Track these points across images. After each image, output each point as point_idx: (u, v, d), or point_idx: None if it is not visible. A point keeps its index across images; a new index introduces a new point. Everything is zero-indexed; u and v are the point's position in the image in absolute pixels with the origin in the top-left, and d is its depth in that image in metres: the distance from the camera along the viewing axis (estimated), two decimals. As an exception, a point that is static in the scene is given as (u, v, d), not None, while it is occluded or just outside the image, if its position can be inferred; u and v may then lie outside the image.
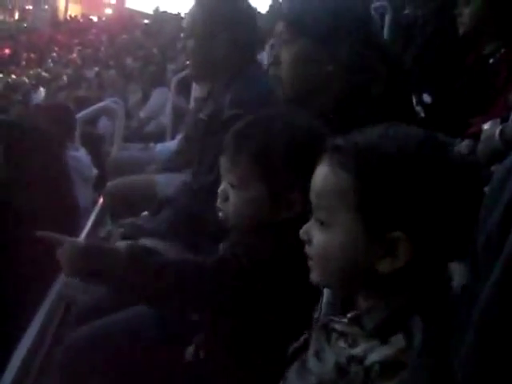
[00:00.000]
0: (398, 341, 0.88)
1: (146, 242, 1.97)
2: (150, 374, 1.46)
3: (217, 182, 1.37)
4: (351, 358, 0.91)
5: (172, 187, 2.44)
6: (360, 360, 0.90)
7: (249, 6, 2.05)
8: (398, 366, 0.87)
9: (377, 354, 0.88)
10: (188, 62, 2.07)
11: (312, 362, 0.99)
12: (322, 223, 0.96)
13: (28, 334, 2.11)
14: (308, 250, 0.99)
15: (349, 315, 0.96)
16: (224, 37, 1.94)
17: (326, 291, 1.09)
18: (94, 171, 3.79)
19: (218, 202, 1.31)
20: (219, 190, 1.31)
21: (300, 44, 1.49)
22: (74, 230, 2.58)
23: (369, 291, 0.96)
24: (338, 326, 0.98)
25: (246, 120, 1.33)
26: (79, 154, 3.71)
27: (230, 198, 1.29)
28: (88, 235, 3.08)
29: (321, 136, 1.17)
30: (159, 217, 2.12)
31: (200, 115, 2.04)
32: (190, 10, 2.05)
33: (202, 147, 1.98)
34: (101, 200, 3.45)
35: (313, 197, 0.98)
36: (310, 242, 0.99)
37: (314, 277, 0.99)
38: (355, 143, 0.95)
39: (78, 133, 3.96)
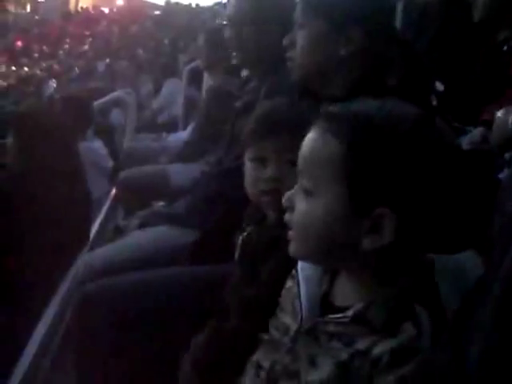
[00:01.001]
0: (408, 329, 0.86)
1: (164, 229, 1.99)
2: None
3: (239, 168, 1.40)
4: (355, 353, 0.88)
5: (185, 177, 2.45)
6: (364, 353, 0.87)
7: None
8: (410, 353, 0.85)
9: (385, 345, 0.85)
10: (232, 51, 2.06)
11: (306, 370, 0.94)
12: (306, 191, 0.92)
13: (41, 323, 2.13)
14: (289, 218, 0.95)
15: (349, 314, 0.90)
16: (268, 25, 1.96)
17: (303, 293, 1.00)
18: (111, 162, 3.82)
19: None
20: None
21: (314, 27, 1.49)
22: (87, 220, 2.60)
23: (363, 283, 0.92)
24: (331, 328, 0.92)
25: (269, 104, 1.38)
26: (96, 145, 3.73)
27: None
28: (101, 225, 3.11)
29: None
30: (175, 206, 2.13)
31: (235, 103, 2.05)
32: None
33: (234, 134, 1.99)
34: (114, 191, 3.47)
35: (299, 162, 0.94)
36: (292, 209, 0.94)
37: (293, 249, 0.95)
38: (351, 112, 0.91)
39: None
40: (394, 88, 1.42)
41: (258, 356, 1.11)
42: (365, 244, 0.88)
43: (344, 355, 0.89)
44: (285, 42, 1.57)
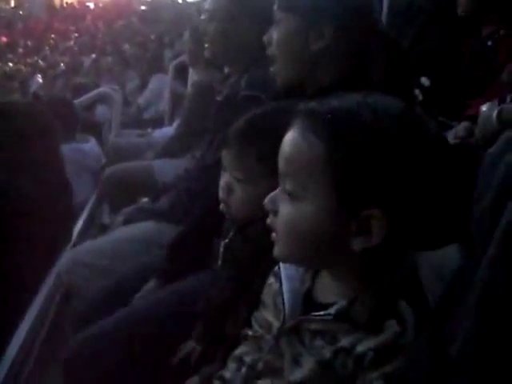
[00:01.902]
0: (392, 326, 0.85)
1: (148, 224, 1.98)
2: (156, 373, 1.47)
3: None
4: (338, 351, 0.86)
5: (170, 173, 2.44)
6: (348, 351, 0.86)
7: None
8: (394, 350, 0.84)
9: (369, 343, 0.84)
10: (206, 45, 2.05)
11: (290, 369, 0.93)
12: (290, 194, 0.88)
13: (25, 321, 2.11)
14: (272, 221, 0.92)
15: (332, 311, 0.88)
16: (246, 21, 1.95)
17: (286, 290, 0.98)
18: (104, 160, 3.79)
19: (221, 194, 1.31)
20: (222, 183, 1.31)
21: (288, 22, 1.47)
22: (68, 215, 2.58)
23: (346, 280, 0.91)
24: (314, 326, 0.91)
25: (248, 118, 1.32)
26: (85, 146, 3.71)
27: (236, 191, 1.29)
28: (85, 221, 3.08)
29: None
30: (160, 202, 2.13)
31: (216, 97, 2.05)
32: None
33: (215, 128, 1.99)
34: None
35: (281, 164, 0.90)
36: (275, 213, 0.91)
37: (277, 251, 0.92)
38: (331, 109, 0.87)
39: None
40: (376, 83, 1.42)
41: (240, 351, 1.10)
42: (354, 245, 0.86)
43: (327, 353, 0.87)
44: (265, 38, 1.56)
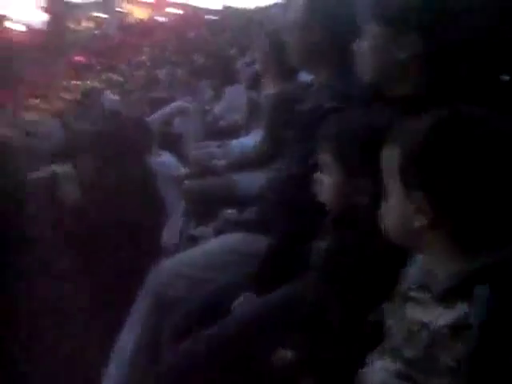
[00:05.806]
0: (463, 308, 0.92)
1: (238, 235, 2.02)
2: None
3: (308, 172, 1.46)
4: (422, 326, 0.96)
5: (252, 186, 2.47)
6: (428, 326, 0.95)
7: None
8: (463, 328, 0.91)
9: (444, 319, 0.93)
10: (294, 53, 2.11)
11: (394, 330, 1.05)
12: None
13: (122, 334, 2.17)
14: None
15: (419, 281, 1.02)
16: (317, 29, 1.97)
17: (414, 263, 1.10)
18: (182, 170, 3.89)
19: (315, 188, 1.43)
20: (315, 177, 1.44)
21: (376, 31, 1.52)
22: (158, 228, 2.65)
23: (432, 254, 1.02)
24: (413, 294, 1.03)
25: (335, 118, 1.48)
26: (163, 159, 3.83)
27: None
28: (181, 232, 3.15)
29: None
30: (246, 213, 2.16)
31: (300, 107, 2.07)
32: (293, 1, 2.12)
33: (299, 138, 2.00)
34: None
35: None
36: None
37: None
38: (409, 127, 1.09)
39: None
40: (459, 92, 1.42)
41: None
42: (415, 223, 1.02)
43: (416, 327, 0.99)
44: (355, 47, 1.59)
